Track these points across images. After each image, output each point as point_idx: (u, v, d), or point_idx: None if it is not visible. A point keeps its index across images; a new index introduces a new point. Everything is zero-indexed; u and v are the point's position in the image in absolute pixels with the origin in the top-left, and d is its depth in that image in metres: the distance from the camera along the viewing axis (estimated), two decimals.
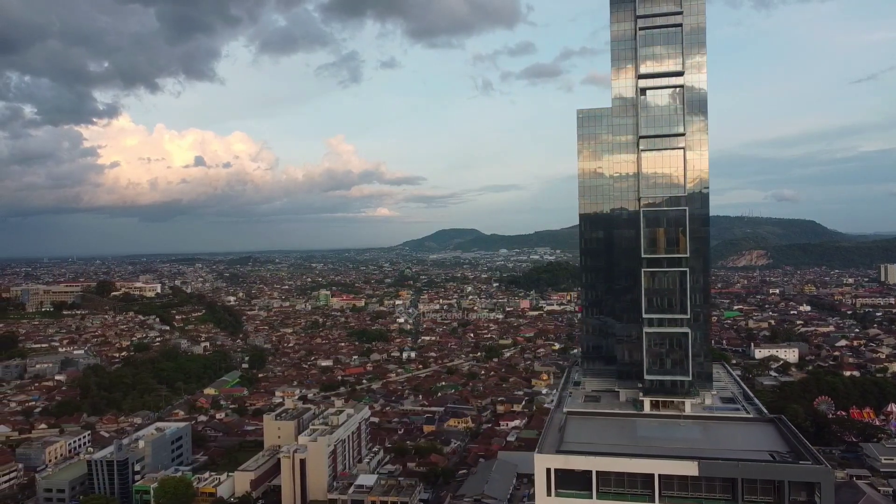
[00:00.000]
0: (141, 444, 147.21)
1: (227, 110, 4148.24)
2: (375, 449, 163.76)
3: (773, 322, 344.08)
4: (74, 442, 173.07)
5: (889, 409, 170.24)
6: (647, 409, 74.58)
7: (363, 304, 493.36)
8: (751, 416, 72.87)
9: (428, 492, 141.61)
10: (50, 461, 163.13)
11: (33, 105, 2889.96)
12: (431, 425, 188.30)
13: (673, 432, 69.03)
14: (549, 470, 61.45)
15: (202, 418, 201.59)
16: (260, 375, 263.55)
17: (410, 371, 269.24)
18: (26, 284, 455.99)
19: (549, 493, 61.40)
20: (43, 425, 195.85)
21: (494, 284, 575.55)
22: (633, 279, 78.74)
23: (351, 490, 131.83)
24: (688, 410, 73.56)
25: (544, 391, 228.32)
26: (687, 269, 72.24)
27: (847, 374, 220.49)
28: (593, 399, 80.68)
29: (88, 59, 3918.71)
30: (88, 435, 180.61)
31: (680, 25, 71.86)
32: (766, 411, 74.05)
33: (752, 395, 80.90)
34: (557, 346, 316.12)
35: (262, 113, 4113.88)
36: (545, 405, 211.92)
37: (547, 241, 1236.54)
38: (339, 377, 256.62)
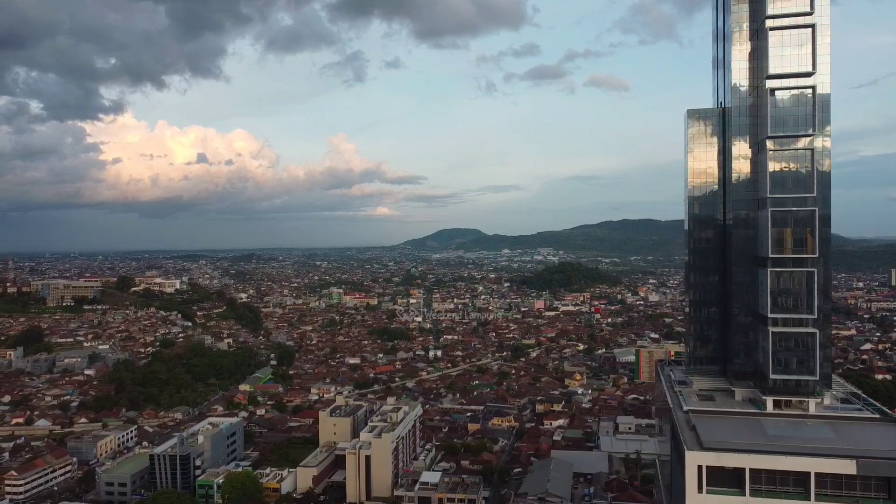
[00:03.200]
0: (200, 438, 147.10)
1: (231, 108, 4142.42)
2: (428, 447, 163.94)
3: None
4: (123, 436, 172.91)
5: None
6: (769, 408, 74.87)
7: (376, 302, 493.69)
8: (876, 416, 73.28)
9: (486, 490, 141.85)
10: (101, 455, 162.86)
11: (39, 100, 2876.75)
12: (476, 424, 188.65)
13: (803, 432, 69.29)
14: (700, 467, 61.73)
15: (243, 414, 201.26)
16: (290, 372, 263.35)
17: (440, 370, 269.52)
18: (39, 280, 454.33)
19: (699, 491, 61.72)
20: (83, 420, 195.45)
21: (506, 284, 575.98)
22: (750, 279, 79.17)
23: (417, 487, 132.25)
24: (811, 410, 73.89)
25: (580, 391, 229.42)
26: (815, 270, 72.59)
27: (879, 377, 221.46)
28: (707, 398, 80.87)
29: (96, 55, 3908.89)
30: (135, 429, 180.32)
31: (811, 26, 72.21)
32: (889, 411, 74.48)
33: (863, 395, 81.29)
34: (581, 346, 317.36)
35: (264, 111, 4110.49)
36: (583, 405, 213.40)
37: (549, 241, 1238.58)
38: (371, 375, 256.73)
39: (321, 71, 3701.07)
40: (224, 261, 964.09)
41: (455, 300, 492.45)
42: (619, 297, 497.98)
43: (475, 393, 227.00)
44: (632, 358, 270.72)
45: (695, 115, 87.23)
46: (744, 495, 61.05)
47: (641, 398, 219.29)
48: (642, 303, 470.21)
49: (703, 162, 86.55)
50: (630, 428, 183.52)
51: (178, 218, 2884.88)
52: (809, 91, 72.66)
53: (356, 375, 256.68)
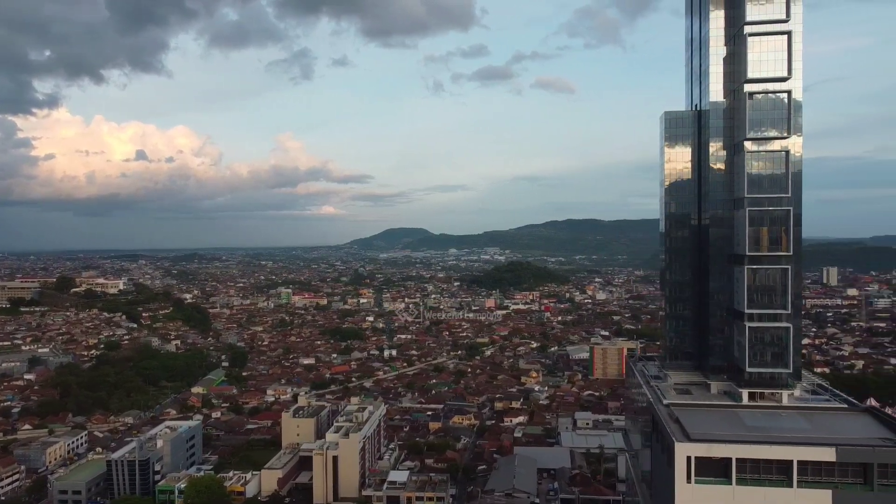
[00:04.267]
0: (159, 443, 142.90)
1: (172, 104, 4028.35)
2: (392, 446, 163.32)
3: None
4: (73, 442, 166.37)
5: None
6: (745, 400, 77.61)
7: (326, 302, 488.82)
8: (845, 406, 76.82)
9: (452, 487, 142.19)
10: (50, 462, 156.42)
11: None
12: (437, 422, 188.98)
13: (780, 422, 72.08)
14: (689, 458, 63.51)
15: (198, 417, 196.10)
16: (244, 374, 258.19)
17: (397, 369, 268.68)
18: None
19: (688, 481, 63.47)
20: (27, 426, 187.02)
21: (456, 284, 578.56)
22: (726, 276, 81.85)
23: (385, 487, 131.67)
24: (785, 402, 76.94)
25: (536, 388, 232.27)
26: (789, 267, 75.60)
27: (818, 370, 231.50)
28: (684, 392, 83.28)
29: (31, 47, 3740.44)
30: (85, 435, 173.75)
31: (787, 33, 75.11)
32: (856, 402, 78.21)
33: (828, 386, 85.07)
34: (535, 344, 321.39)
35: (208, 107, 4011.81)
36: (541, 402, 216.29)
37: (496, 241, 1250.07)
38: (328, 375, 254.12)
39: (267, 68, 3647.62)
40: (165, 261, 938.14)
41: (406, 300, 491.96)
42: (568, 295, 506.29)
43: (434, 392, 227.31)
44: (585, 355, 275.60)
45: (671, 117, 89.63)
46: (730, 484, 63.07)
47: (597, 394, 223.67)
48: (590, 301, 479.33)
49: (679, 163, 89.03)
50: (588, 424, 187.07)
51: (116, 216, 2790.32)
52: (785, 95, 75.60)
53: (312, 376, 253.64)
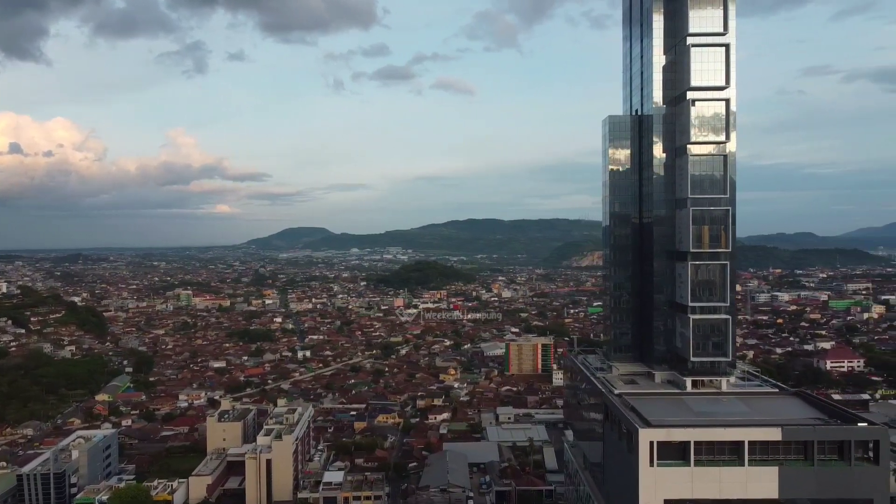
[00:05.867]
0: (74, 453, 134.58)
1: (51, 94, 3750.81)
2: (320, 447, 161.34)
3: None
4: None
5: None
6: (689, 388, 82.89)
7: (229, 304, 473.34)
8: (776, 390, 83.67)
9: (385, 486, 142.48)
10: None
11: None
12: (362, 422, 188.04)
13: (723, 407, 77.68)
14: (651, 443, 67.36)
15: (106, 426, 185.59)
16: (151, 379, 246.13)
17: (313, 370, 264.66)
18: None
19: (651, 464, 67.30)
20: None
21: (363, 284, 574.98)
22: (669, 272, 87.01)
23: (321, 488, 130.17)
24: (724, 388, 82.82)
25: (456, 385, 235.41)
26: (727, 263, 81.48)
27: None
28: (630, 382, 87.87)
29: None
30: None
31: (725, 45, 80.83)
32: (785, 386, 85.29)
33: (757, 373, 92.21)
34: (448, 342, 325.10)
35: (91, 99, 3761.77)
36: (461, 398, 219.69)
37: (398, 240, 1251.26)
38: (242, 378, 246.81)
39: (158, 59, 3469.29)
40: (45, 261, 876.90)
41: (313, 300, 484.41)
42: (475, 294, 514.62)
43: (354, 392, 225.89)
44: (499, 352, 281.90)
45: (613, 121, 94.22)
46: (689, 465, 67.44)
47: (515, 389, 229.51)
48: (497, 299, 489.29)
49: (622, 165, 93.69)
50: (510, 418, 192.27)
51: None
52: (724, 103, 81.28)
53: (225, 379, 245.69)
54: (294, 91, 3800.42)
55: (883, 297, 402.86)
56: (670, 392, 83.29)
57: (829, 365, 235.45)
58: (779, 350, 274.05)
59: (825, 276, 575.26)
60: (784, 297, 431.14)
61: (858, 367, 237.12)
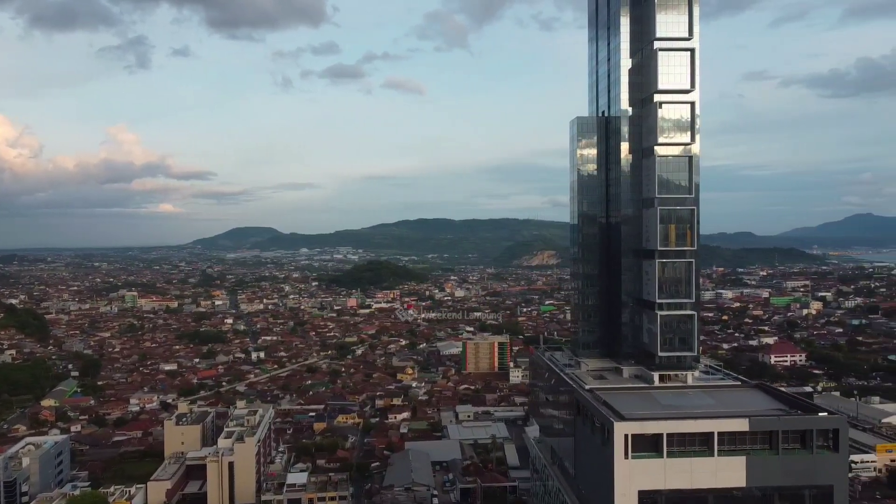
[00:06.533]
0: (25, 461, 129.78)
1: None
2: (281, 449, 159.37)
3: None
4: None
5: None
6: (656, 382, 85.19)
7: (176, 305, 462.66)
8: (738, 383, 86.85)
9: (349, 486, 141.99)
10: None
11: None
12: (322, 423, 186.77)
13: (689, 400, 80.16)
14: (626, 436, 69.12)
15: (55, 432, 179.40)
16: (100, 383, 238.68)
17: (268, 371, 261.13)
18: None
19: (626, 457, 69.07)
20: None
21: (314, 284, 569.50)
22: (635, 270, 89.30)
23: (285, 490, 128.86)
24: (689, 382, 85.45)
25: (414, 385, 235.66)
26: (693, 260, 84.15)
27: None
28: (599, 377, 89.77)
29: None
30: None
31: (691, 50, 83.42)
32: (746, 379, 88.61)
33: (718, 366, 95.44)
34: (403, 342, 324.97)
35: (27, 93, 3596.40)
36: (420, 397, 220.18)
37: (348, 240, 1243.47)
38: (195, 381, 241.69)
39: (99, 54, 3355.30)
40: None
41: (264, 301, 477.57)
42: (428, 293, 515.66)
43: (312, 392, 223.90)
44: (455, 350, 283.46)
45: (581, 122, 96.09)
46: (662, 457, 69.47)
47: (473, 387, 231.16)
48: (450, 298, 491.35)
49: (589, 165, 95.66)
50: (469, 416, 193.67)
51: None
52: (689, 106, 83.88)
53: (178, 382, 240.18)
54: (241, 88, 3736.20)
55: (820, 294, 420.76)
56: (639, 386, 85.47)
57: (773, 359, 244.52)
58: (725, 346, 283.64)
59: (765, 274, 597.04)
60: (728, 294, 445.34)
61: (801, 361, 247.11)
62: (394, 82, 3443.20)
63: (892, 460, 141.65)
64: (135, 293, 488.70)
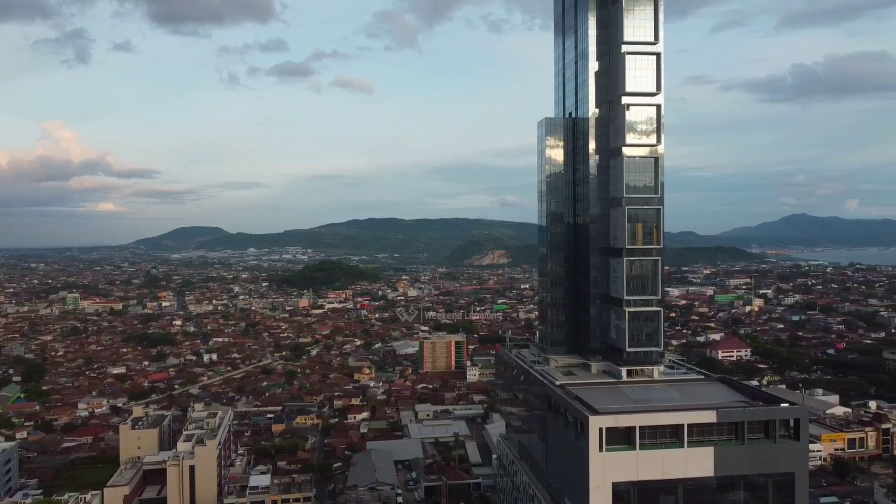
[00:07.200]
0: None
1: None
2: (241, 451, 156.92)
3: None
4: None
5: None
6: (624, 377, 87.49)
7: (121, 307, 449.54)
8: (701, 377, 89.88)
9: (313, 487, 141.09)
10: None
11: None
12: (280, 424, 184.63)
13: (657, 394, 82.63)
14: (601, 430, 70.85)
15: None
16: (44, 388, 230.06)
17: (221, 373, 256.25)
18: None
19: (600, 450, 70.79)
20: None
21: (265, 284, 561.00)
22: (604, 268, 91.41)
23: (248, 493, 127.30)
24: (655, 376, 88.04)
25: (371, 384, 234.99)
26: (659, 258, 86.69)
27: None
28: (568, 373, 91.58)
29: None
30: None
31: (657, 54, 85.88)
32: (709, 373, 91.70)
33: (682, 361, 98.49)
34: (358, 342, 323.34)
35: None
36: (378, 397, 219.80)
37: (297, 240, 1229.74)
38: (146, 384, 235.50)
39: (34, 47, 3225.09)
40: None
41: (214, 301, 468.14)
42: (381, 293, 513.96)
43: (268, 394, 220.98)
44: (412, 350, 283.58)
45: (550, 123, 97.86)
46: (635, 449, 71.48)
47: (430, 386, 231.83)
48: (403, 298, 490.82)
49: (556, 165, 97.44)
50: (429, 415, 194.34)
51: None
52: (655, 108, 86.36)
53: (127, 385, 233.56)
54: (185, 85, 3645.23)
55: (761, 292, 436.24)
56: (608, 381, 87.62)
57: (720, 355, 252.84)
58: (674, 342, 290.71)
59: (709, 272, 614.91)
60: (674, 292, 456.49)
61: (746, 356, 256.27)
62: (343, 81, 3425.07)
63: (837, 449, 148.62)
64: (76, 295, 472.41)
